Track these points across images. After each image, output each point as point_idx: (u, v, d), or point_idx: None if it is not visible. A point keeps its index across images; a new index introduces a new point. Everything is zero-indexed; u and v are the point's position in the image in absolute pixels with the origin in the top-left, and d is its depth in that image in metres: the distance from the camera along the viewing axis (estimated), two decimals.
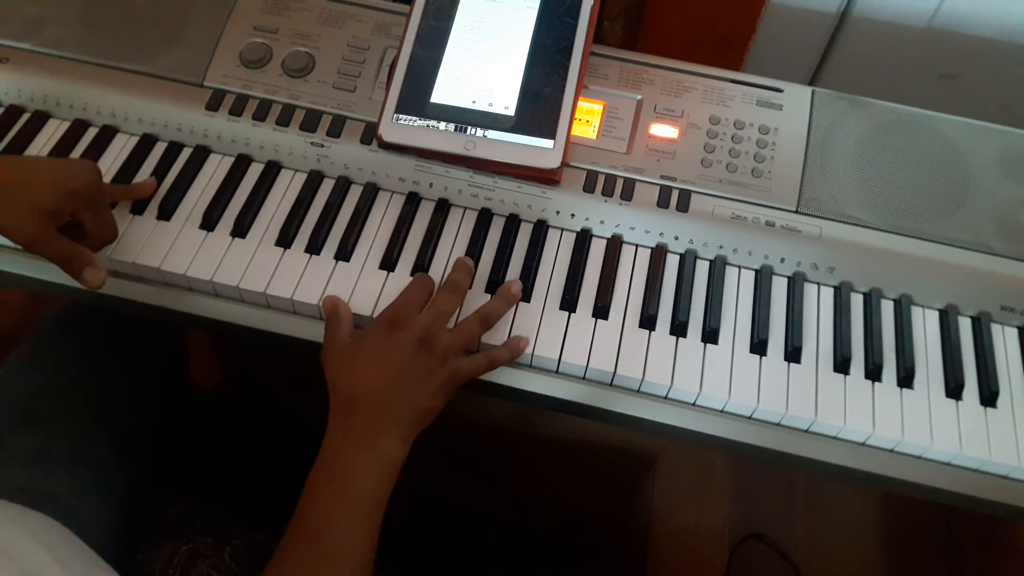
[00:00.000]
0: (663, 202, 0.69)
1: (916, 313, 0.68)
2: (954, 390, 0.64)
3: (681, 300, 0.66)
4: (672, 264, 0.69)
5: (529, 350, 0.63)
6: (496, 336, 0.64)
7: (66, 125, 0.73)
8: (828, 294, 0.69)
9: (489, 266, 0.67)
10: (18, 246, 0.60)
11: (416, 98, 0.69)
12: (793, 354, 0.65)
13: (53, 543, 0.46)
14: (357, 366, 0.59)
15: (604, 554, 1.18)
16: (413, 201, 0.71)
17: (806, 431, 0.63)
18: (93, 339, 0.76)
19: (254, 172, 0.72)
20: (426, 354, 0.59)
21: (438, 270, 0.67)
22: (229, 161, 0.72)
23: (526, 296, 0.66)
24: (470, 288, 0.65)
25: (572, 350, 0.64)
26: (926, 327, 0.67)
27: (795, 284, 0.68)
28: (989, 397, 0.64)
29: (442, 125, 0.68)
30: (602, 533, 1.19)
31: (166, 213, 0.68)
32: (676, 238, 0.69)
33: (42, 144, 0.72)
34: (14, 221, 0.57)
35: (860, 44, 0.92)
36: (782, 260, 0.69)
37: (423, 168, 0.70)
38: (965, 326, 0.68)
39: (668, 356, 0.64)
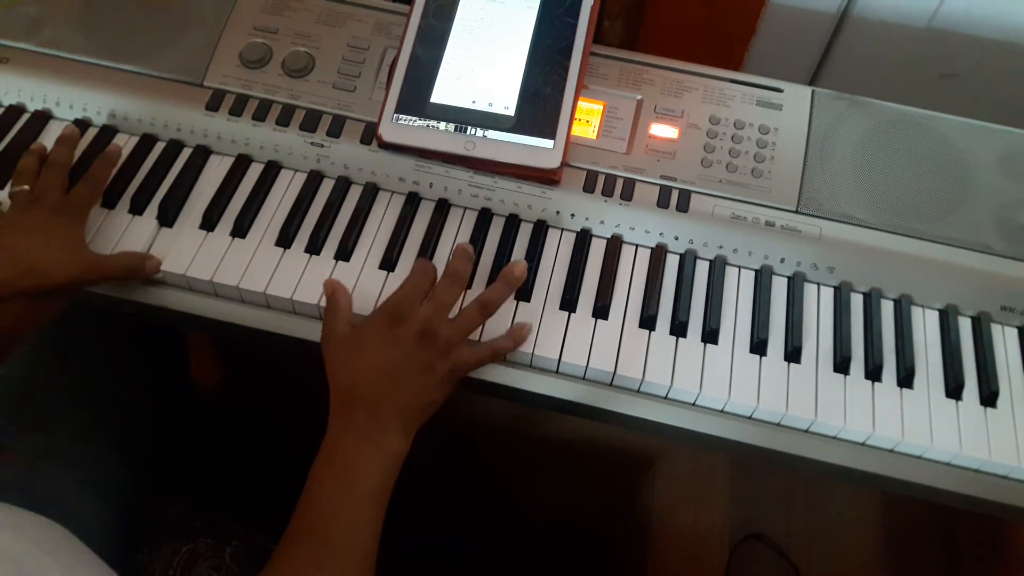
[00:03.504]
0: (663, 202, 0.69)
1: (916, 313, 0.68)
2: (954, 390, 0.64)
3: (681, 300, 0.66)
4: (672, 264, 0.69)
5: (529, 350, 0.63)
6: (496, 330, 0.63)
7: (66, 125, 0.73)
8: (828, 294, 0.69)
9: (489, 266, 0.67)
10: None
11: (416, 98, 0.69)
12: (793, 354, 0.65)
13: (58, 551, 0.46)
14: (357, 360, 0.58)
15: (604, 554, 1.18)
16: (413, 201, 0.71)
17: (806, 431, 0.63)
18: (93, 339, 0.76)
19: (254, 172, 0.72)
20: (427, 347, 0.58)
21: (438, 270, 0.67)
22: (229, 161, 0.72)
23: (526, 296, 0.66)
24: (473, 276, 0.65)
25: (572, 350, 0.64)
26: (926, 327, 0.67)
27: (795, 284, 0.68)
28: (989, 397, 0.64)
29: (442, 125, 0.68)
30: (602, 533, 1.19)
31: (166, 213, 0.68)
32: (676, 238, 0.69)
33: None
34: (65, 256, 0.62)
35: (860, 44, 0.92)
36: (782, 260, 0.69)
37: (423, 168, 0.70)
38: (965, 326, 0.68)
39: (668, 356, 0.64)
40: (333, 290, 0.63)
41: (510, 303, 0.65)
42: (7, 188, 0.67)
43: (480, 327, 0.63)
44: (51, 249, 0.61)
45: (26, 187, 0.65)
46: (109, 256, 0.64)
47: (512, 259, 0.68)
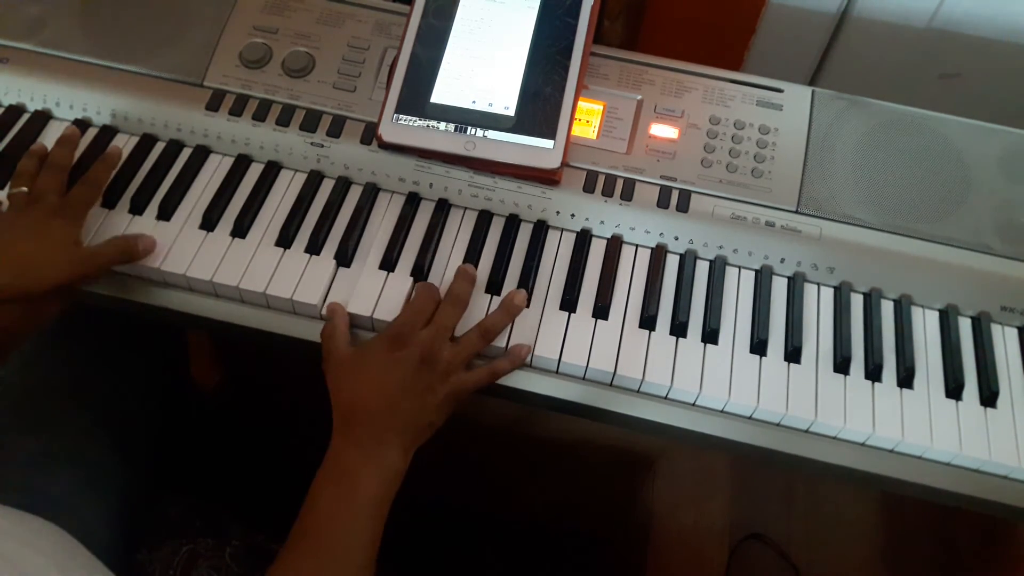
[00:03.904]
0: (663, 202, 0.69)
1: (916, 313, 0.68)
2: (954, 390, 0.64)
3: (681, 300, 0.66)
4: (672, 264, 0.69)
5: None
6: (496, 339, 0.63)
7: (66, 125, 0.73)
8: (828, 294, 0.69)
9: (489, 266, 0.67)
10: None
11: (416, 98, 0.69)
12: (793, 354, 0.65)
13: (54, 551, 0.46)
14: (359, 381, 0.59)
15: (604, 554, 1.18)
16: (413, 201, 0.71)
17: (806, 431, 0.63)
18: (93, 339, 0.76)
19: (254, 172, 0.72)
20: (427, 371, 0.59)
21: (438, 271, 0.67)
22: (229, 161, 0.72)
23: None
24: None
25: (572, 350, 0.64)
26: (926, 327, 0.67)
27: (795, 284, 0.68)
28: (989, 397, 0.64)
29: (442, 125, 0.68)
30: (602, 533, 1.19)
31: (166, 213, 0.68)
32: (676, 238, 0.69)
33: None
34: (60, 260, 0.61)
35: (860, 44, 0.92)
36: (782, 260, 0.69)
37: (423, 168, 0.70)
38: (965, 326, 0.68)
39: (668, 356, 0.64)
40: (331, 312, 0.63)
41: None
42: (6, 189, 0.67)
43: (480, 352, 0.63)
44: (46, 253, 0.61)
45: (24, 189, 0.65)
46: (100, 245, 0.64)
47: (512, 260, 0.68)
